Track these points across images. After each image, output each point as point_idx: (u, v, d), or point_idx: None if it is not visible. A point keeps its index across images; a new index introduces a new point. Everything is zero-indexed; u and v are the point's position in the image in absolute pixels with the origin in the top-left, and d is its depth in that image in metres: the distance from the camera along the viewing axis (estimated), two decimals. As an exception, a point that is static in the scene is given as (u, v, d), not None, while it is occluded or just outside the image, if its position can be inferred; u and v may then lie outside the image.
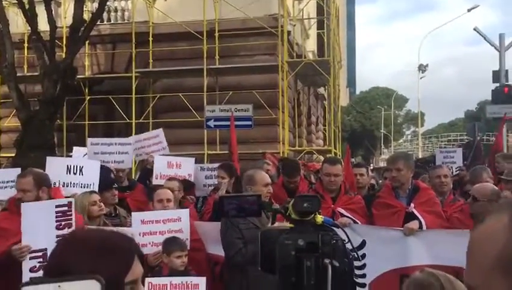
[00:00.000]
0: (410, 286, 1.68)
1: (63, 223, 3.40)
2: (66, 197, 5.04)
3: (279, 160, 9.16)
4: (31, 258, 3.36)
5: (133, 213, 4.17)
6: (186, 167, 6.43)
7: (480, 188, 4.04)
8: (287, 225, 1.44)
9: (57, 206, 3.43)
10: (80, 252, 0.97)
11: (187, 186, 5.88)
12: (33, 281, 0.78)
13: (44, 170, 6.56)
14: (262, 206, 1.46)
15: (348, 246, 1.48)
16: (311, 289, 1.21)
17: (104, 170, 5.45)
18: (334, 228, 1.46)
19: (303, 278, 1.22)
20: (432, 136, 58.20)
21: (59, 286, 0.74)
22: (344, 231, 1.53)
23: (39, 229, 3.36)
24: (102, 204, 4.22)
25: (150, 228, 4.02)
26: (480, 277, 0.62)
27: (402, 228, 4.10)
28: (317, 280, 1.24)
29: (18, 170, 6.02)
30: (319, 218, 1.31)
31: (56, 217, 3.39)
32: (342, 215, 4.27)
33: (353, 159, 15.48)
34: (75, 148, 7.41)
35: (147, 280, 3.37)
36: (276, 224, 3.05)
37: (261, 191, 3.98)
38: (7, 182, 5.50)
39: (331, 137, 17.94)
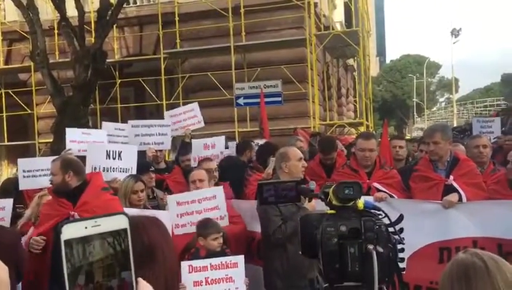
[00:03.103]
0: (453, 266, 1.64)
1: None
2: (107, 181, 5.21)
3: (311, 135, 9.11)
4: None
5: (168, 196, 4.24)
6: (218, 146, 6.58)
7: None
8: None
9: None
10: None
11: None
12: (71, 220, 0.86)
13: (65, 143, 6.66)
14: (301, 191, 1.45)
15: (386, 220, 1.45)
16: (356, 275, 1.20)
17: (140, 154, 5.54)
18: (374, 211, 1.43)
19: (347, 265, 1.21)
20: (467, 102, 56.45)
21: (95, 222, 0.82)
22: (383, 211, 1.49)
23: None
24: (142, 195, 4.25)
25: (187, 208, 4.08)
26: None
27: (441, 201, 4.01)
28: (362, 266, 1.22)
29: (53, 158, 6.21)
30: (361, 203, 1.28)
31: None
32: (378, 190, 4.21)
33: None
34: (103, 123, 7.57)
35: (187, 263, 3.44)
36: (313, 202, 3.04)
37: (295, 165, 3.99)
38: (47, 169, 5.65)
39: (362, 109, 17.65)
